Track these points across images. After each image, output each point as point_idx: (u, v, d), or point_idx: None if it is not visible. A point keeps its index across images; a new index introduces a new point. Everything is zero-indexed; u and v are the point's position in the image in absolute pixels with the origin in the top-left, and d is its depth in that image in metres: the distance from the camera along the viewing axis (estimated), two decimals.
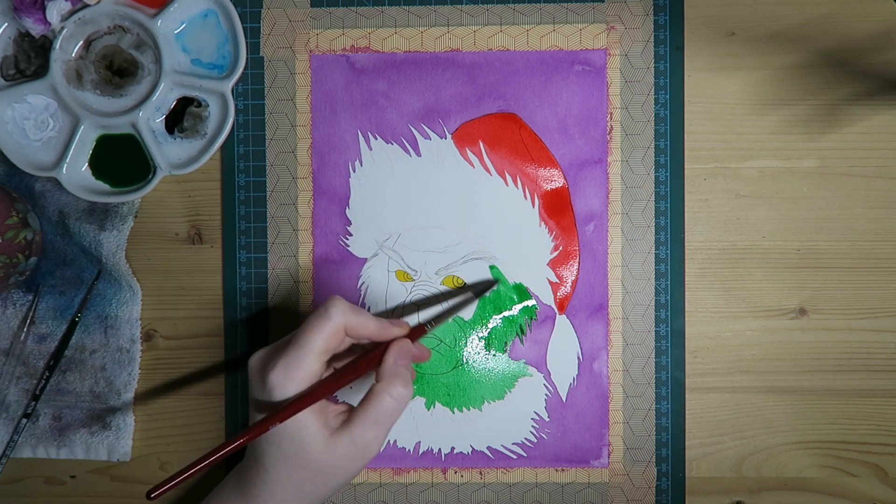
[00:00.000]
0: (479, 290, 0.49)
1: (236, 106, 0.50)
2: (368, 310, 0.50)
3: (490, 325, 0.50)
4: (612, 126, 0.49)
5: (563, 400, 0.50)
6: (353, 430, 0.39)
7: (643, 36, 0.49)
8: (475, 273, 0.49)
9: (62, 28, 0.47)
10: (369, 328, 0.41)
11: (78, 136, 0.48)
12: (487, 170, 0.49)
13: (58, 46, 0.47)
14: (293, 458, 0.39)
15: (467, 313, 0.50)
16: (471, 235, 0.50)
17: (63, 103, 0.48)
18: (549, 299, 0.50)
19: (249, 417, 0.41)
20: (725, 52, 0.49)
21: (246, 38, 0.49)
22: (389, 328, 0.42)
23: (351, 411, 0.40)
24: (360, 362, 0.41)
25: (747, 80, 0.49)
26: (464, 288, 0.49)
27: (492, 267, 0.49)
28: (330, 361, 0.43)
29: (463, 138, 0.49)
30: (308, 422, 0.39)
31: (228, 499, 0.42)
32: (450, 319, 0.49)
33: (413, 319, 0.50)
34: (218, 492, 0.44)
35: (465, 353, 0.50)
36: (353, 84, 0.50)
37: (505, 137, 0.49)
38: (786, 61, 0.49)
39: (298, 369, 0.39)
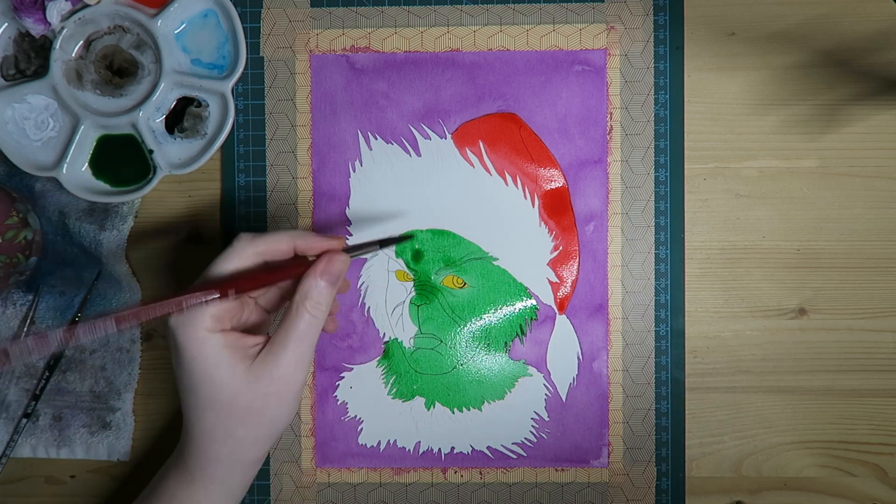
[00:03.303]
0: (386, 241, 0.45)
1: (236, 106, 0.50)
2: (368, 310, 0.50)
3: (493, 316, 0.50)
4: (611, 126, 0.49)
5: (563, 400, 0.50)
6: (275, 351, 0.37)
7: (643, 36, 0.49)
8: (475, 273, 0.49)
9: (62, 28, 0.47)
10: (285, 243, 0.38)
11: (78, 136, 0.48)
12: (487, 170, 0.49)
13: (58, 46, 0.47)
14: (214, 401, 0.36)
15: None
16: (471, 235, 0.50)
17: (63, 103, 0.48)
18: (549, 299, 0.50)
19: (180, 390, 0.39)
20: (725, 52, 0.49)
21: (246, 38, 0.49)
22: (314, 239, 0.39)
23: (268, 339, 0.38)
24: (285, 268, 0.39)
25: (747, 80, 0.49)
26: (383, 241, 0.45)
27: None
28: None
29: (463, 138, 0.49)
30: (220, 357, 0.36)
31: (169, 476, 0.40)
32: (360, 256, 0.45)
33: (411, 324, 0.50)
34: (161, 474, 0.42)
35: (464, 353, 0.50)
36: (353, 84, 0.50)
37: (505, 137, 0.49)
38: (786, 61, 0.49)
39: (198, 308, 0.36)
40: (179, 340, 0.36)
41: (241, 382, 0.36)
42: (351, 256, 0.41)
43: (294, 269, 0.39)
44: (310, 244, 0.40)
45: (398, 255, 0.50)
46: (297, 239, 0.39)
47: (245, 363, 0.37)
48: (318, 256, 0.39)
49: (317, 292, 0.38)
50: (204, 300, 0.36)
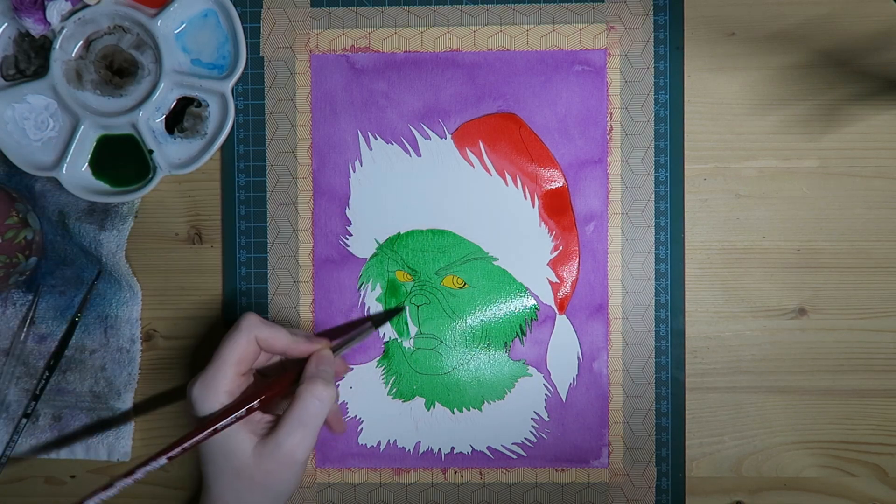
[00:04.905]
0: (380, 319, 0.49)
1: (236, 106, 0.50)
2: (368, 309, 0.50)
3: (493, 316, 0.50)
4: (611, 126, 0.49)
5: (563, 400, 0.50)
6: (279, 433, 0.40)
7: (643, 36, 0.49)
8: (475, 273, 0.50)
9: (62, 28, 0.47)
10: (281, 342, 0.42)
11: (78, 136, 0.48)
12: (487, 170, 0.49)
13: (58, 46, 0.47)
14: (226, 470, 0.40)
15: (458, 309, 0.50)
16: (470, 235, 0.50)
17: (63, 103, 0.48)
18: (549, 299, 0.50)
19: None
20: (725, 52, 0.49)
21: (246, 38, 0.49)
22: (303, 343, 0.43)
23: (276, 419, 0.41)
24: (284, 376, 0.43)
25: (747, 80, 0.49)
26: (368, 318, 0.50)
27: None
28: (262, 377, 0.45)
29: (463, 138, 0.49)
30: (235, 432, 0.40)
31: None
32: (355, 345, 0.47)
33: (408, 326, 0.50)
34: None
35: (464, 354, 0.50)
36: (353, 84, 0.50)
37: (505, 137, 0.49)
38: (786, 61, 0.49)
39: (215, 380, 0.41)
40: (201, 414, 0.41)
41: (249, 456, 0.40)
42: (347, 348, 0.46)
43: (286, 381, 0.43)
44: (300, 348, 0.43)
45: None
46: (295, 343, 0.43)
47: (254, 439, 0.40)
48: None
49: (319, 379, 0.41)
50: (235, 419, 0.40)
